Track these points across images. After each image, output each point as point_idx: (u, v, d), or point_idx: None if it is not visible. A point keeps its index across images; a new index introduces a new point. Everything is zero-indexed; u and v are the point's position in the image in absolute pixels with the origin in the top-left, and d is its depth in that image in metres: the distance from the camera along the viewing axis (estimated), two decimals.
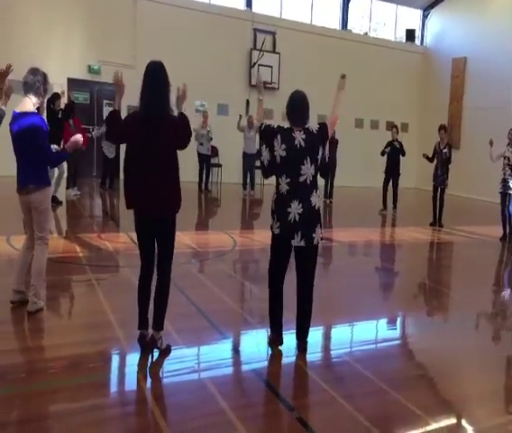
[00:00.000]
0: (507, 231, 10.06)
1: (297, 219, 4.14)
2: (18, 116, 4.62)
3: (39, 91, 4.65)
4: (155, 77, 3.98)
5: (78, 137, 4.79)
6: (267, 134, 4.25)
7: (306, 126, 4.28)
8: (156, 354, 4.15)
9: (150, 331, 4.16)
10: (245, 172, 14.75)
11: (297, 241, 4.17)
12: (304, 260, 4.31)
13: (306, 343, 4.39)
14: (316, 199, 4.24)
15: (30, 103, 4.63)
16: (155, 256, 4.19)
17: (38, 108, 4.77)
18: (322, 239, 4.34)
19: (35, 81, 4.61)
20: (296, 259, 4.33)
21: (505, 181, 9.94)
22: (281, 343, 4.41)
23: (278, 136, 4.18)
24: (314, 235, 4.22)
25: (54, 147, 4.98)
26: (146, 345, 4.13)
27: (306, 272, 4.33)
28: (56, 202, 9.94)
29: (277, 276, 4.38)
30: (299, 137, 4.18)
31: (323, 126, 4.34)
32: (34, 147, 4.61)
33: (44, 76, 4.72)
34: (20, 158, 4.72)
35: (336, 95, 4.61)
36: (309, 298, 4.35)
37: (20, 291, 4.88)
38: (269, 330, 4.49)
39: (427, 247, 10.01)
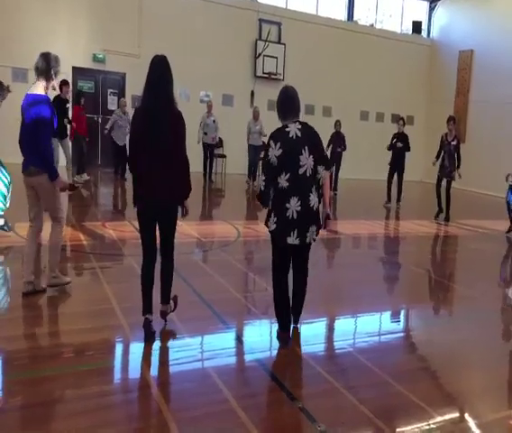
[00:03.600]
0: None
1: (294, 217, 4.07)
2: (29, 104, 4.75)
3: (49, 75, 4.78)
4: (159, 71, 4.08)
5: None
6: (269, 169, 4.14)
7: (302, 121, 4.24)
8: (159, 343, 4.18)
9: (152, 317, 4.26)
10: (250, 164, 14.74)
11: (293, 239, 4.11)
12: (298, 257, 4.34)
13: (298, 318, 4.46)
14: (315, 199, 4.18)
15: (41, 86, 4.77)
16: (157, 245, 4.29)
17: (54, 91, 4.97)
18: (315, 240, 4.31)
19: (45, 66, 4.74)
20: (290, 254, 4.33)
21: None
22: (289, 339, 4.39)
23: (271, 142, 4.11)
24: (307, 234, 4.17)
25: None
26: (150, 332, 4.19)
27: (301, 267, 4.41)
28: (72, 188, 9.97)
29: (281, 271, 4.36)
30: (294, 128, 4.12)
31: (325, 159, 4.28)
32: (35, 136, 4.70)
33: (55, 59, 4.85)
34: (24, 140, 4.81)
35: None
36: (304, 280, 4.41)
37: (30, 282, 4.93)
38: (278, 326, 4.46)
39: (432, 240, 9.98)
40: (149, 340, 4.15)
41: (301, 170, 4.08)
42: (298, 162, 4.07)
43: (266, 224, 4.27)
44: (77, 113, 12.01)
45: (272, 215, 4.17)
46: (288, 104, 4.24)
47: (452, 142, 11.09)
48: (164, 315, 4.46)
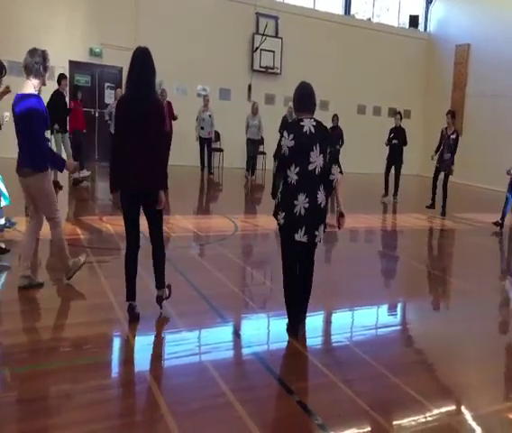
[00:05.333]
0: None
1: (302, 213, 4.12)
2: (19, 99, 4.69)
3: (38, 72, 4.70)
4: (142, 62, 4.21)
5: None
6: (281, 158, 4.21)
7: (317, 119, 4.28)
8: (156, 337, 4.19)
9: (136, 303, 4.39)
10: (249, 158, 14.73)
11: (300, 236, 4.15)
12: (304, 254, 4.34)
13: (304, 316, 4.42)
14: (322, 197, 4.21)
15: (31, 85, 4.70)
16: (140, 234, 4.40)
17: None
18: (321, 241, 4.31)
19: (34, 63, 4.67)
20: (298, 251, 4.34)
21: None
22: (297, 333, 4.38)
23: (285, 132, 4.18)
24: (316, 233, 4.21)
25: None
26: (134, 314, 4.34)
27: (306, 264, 4.39)
28: (56, 186, 9.92)
29: (291, 266, 4.38)
30: (309, 124, 4.18)
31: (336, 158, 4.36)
32: (30, 131, 4.65)
33: (43, 54, 4.74)
34: (19, 140, 4.78)
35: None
36: (309, 276, 4.39)
37: (26, 276, 4.91)
38: (287, 319, 4.45)
39: (429, 234, 10.00)
40: (134, 322, 4.32)
41: (311, 167, 4.13)
42: (308, 158, 4.12)
43: (275, 216, 4.32)
44: (73, 107, 11.97)
45: (281, 209, 4.22)
46: (304, 100, 4.32)
47: (452, 136, 11.21)
48: (160, 300, 4.53)
